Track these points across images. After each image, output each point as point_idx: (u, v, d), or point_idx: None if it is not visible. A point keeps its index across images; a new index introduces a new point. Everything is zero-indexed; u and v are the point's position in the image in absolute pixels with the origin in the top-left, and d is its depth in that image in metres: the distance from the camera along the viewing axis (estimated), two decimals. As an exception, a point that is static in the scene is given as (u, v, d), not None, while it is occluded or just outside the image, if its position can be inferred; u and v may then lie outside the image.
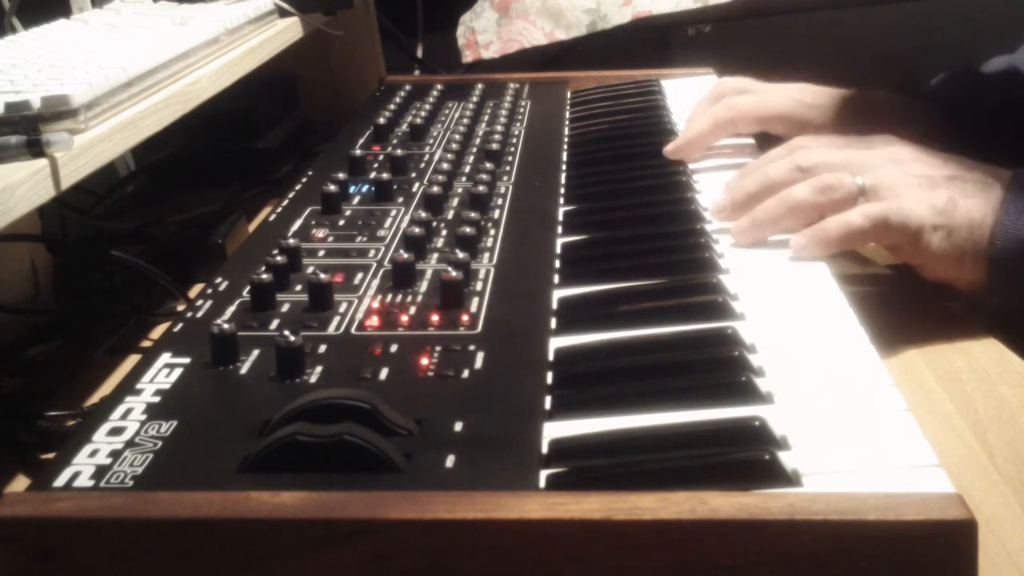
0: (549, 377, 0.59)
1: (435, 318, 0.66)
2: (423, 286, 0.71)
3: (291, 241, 0.74)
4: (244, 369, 0.61)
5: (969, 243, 0.73)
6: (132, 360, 0.82)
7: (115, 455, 0.52)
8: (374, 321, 0.66)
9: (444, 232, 0.80)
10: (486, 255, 0.76)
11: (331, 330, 0.65)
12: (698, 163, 0.97)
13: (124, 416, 0.56)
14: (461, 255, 0.71)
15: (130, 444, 0.53)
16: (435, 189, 0.85)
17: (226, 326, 0.61)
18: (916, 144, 0.78)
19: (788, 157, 0.80)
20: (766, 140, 0.99)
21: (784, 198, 0.76)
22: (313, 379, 0.59)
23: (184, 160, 1.23)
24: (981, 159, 0.96)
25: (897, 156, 0.77)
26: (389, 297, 0.70)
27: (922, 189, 0.74)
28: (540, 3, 1.55)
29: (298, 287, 0.71)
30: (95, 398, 0.78)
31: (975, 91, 0.97)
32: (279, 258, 0.71)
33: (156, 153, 1.22)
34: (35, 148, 0.67)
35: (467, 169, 0.95)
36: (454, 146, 0.98)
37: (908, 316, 0.78)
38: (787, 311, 0.67)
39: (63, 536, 0.46)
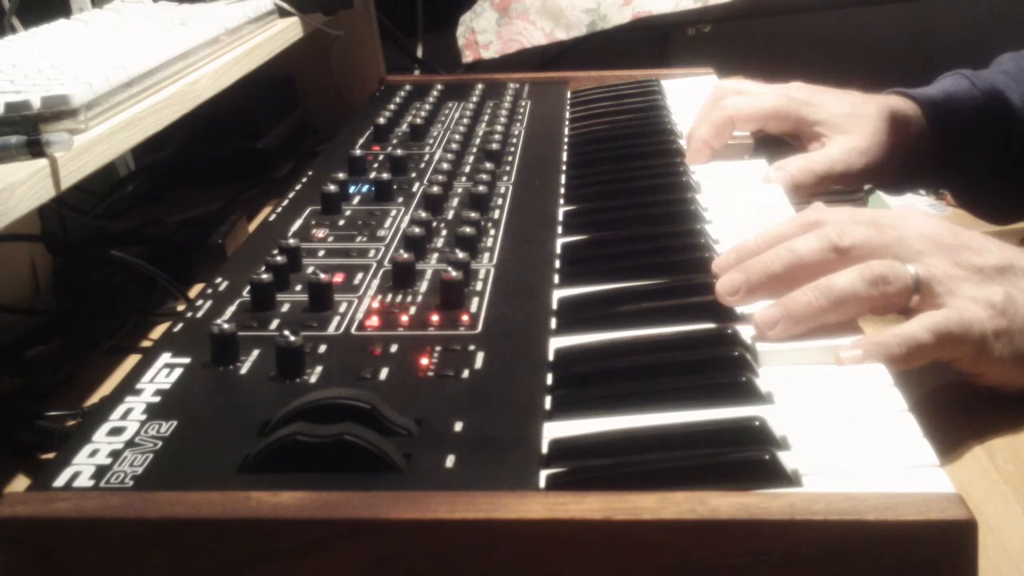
0: (549, 377, 0.59)
1: (435, 318, 0.66)
2: (423, 286, 0.71)
3: (291, 241, 0.74)
4: (244, 369, 0.61)
5: None
6: (132, 360, 0.82)
7: (115, 455, 0.52)
8: (374, 321, 0.66)
9: (444, 232, 0.80)
10: (486, 255, 0.76)
11: (331, 330, 0.65)
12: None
13: (124, 416, 0.56)
14: (461, 255, 0.71)
15: (130, 444, 0.53)
16: (435, 189, 0.85)
17: (226, 326, 0.61)
18: (945, 220, 0.70)
19: (818, 233, 0.66)
20: (767, 143, 0.99)
21: (828, 290, 0.63)
22: (313, 379, 0.59)
23: (184, 160, 1.23)
24: (967, 164, 0.97)
25: (939, 238, 0.67)
26: (389, 297, 0.70)
27: (975, 284, 0.65)
28: (540, 3, 1.55)
29: (298, 287, 0.71)
30: (95, 398, 0.78)
31: (969, 95, 0.96)
32: (279, 258, 0.71)
33: (156, 153, 1.22)
34: (35, 148, 0.67)
35: (467, 169, 0.95)
36: (454, 146, 0.98)
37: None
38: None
39: (63, 536, 0.46)
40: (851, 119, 0.94)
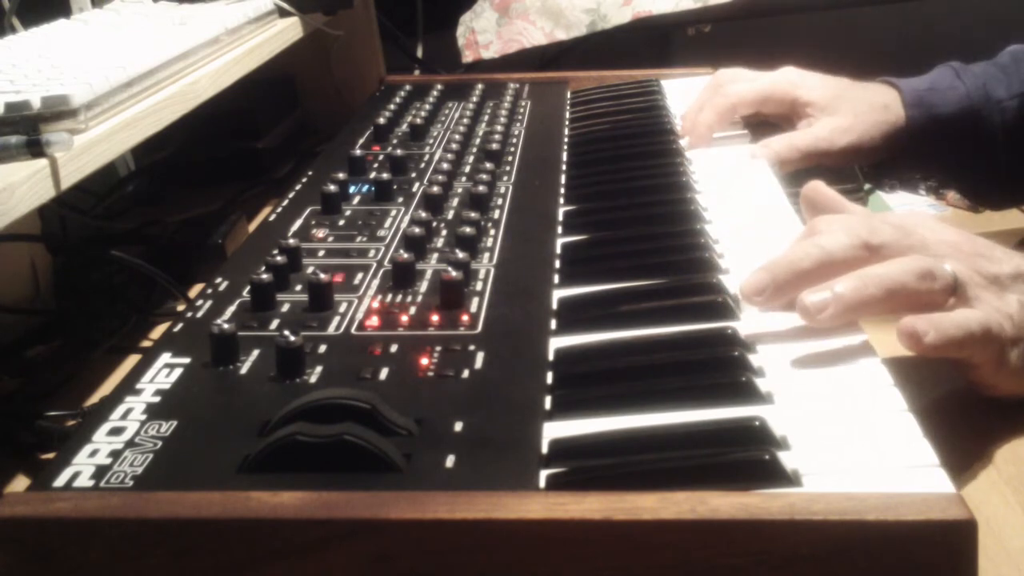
0: (549, 377, 0.59)
1: (435, 318, 0.66)
2: (423, 286, 0.71)
3: (291, 241, 0.74)
4: (244, 369, 0.61)
5: None
6: (132, 360, 0.82)
7: (115, 455, 0.52)
8: (374, 321, 0.66)
9: (444, 232, 0.80)
10: (486, 255, 0.76)
11: (331, 330, 0.65)
12: (695, 154, 0.99)
13: (124, 416, 0.56)
14: (461, 255, 0.71)
15: (130, 444, 0.53)
16: (435, 189, 0.85)
17: (226, 326, 0.61)
18: (950, 225, 0.69)
19: (846, 229, 0.65)
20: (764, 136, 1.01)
21: (878, 278, 0.61)
22: (313, 379, 0.59)
23: (184, 160, 1.23)
24: (941, 152, 0.98)
25: (957, 245, 0.66)
26: (389, 297, 0.70)
27: (993, 293, 0.65)
28: (540, 3, 1.55)
29: (298, 287, 0.71)
30: (95, 398, 0.78)
31: (951, 87, 0.98)
32: (279, 258, 0.71)
33: (156, 153, 1.22)
34: (35, 148, 0.67)
35: (467, 169, 0.95)
36: (454, 146, 0.98)
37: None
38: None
39: (63, 536, 0.46)
40: (837, 99, 0.99)
